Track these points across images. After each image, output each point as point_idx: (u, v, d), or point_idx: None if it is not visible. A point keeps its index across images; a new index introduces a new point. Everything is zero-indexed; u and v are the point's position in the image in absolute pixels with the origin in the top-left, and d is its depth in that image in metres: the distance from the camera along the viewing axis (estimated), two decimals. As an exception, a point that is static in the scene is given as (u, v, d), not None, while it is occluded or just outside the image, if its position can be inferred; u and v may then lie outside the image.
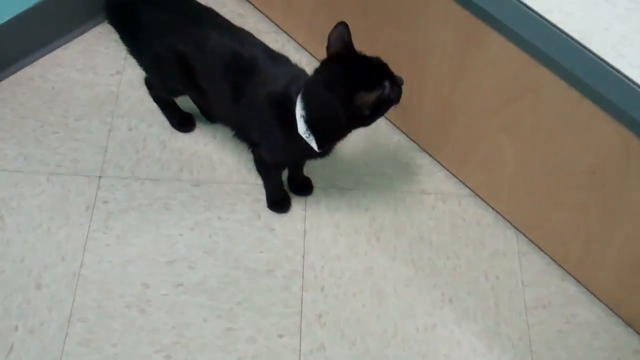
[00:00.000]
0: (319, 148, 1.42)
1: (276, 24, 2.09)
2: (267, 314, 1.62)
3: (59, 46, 2.00)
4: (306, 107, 1.36)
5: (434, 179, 1.83)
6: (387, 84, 1.32)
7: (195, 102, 1.84)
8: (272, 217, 1.75)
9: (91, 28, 2.03)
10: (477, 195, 1.81)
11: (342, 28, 1.33)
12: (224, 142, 1.85)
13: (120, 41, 1.65)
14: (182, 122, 1.85)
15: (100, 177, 1.79)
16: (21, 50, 1.93)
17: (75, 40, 2.01)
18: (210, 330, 1.59)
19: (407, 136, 1.89)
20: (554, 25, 1.30)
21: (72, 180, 1.78)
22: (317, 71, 1.38)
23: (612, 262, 1.57)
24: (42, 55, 1.97)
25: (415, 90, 1.70)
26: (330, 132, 1.41)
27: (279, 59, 1.52)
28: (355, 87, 1.28)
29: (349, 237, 1.74)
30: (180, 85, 1.63)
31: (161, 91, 1.79)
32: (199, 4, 1.57)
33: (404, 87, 1.38)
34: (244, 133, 1.60)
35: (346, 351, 1.59)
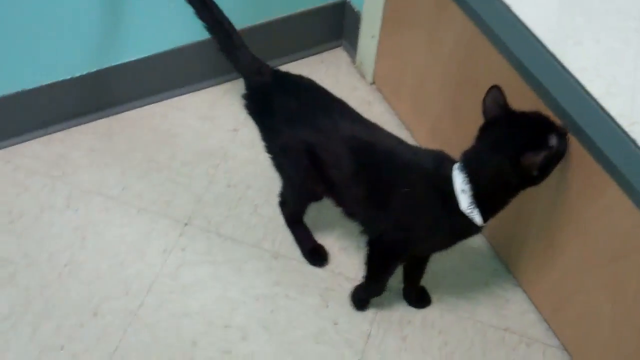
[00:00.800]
0: (484, 221, 1.36)
1: (400, 119, 2.05)
2: (305, 410, 1.52)
3: (188, 92, 2.06)
4: (470, 178, 1.31)
5: (523, 319, 1.68)
6: (553, 139, 1.25)
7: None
8: (340, 309, 1.67)
9: (222, 82, 2.08)
10: (567, 350, 1.63)
11: (496, 92, 1.31)
12: (314, 222, 1.79)
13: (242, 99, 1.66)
14: (314, 253, 1.75)
15: (186, 224, 1.78)
16: (153, 87, 2.01)
17: (204, 90, 2.07)
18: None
19: (506, 266, 1.76)
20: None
21: (159, 220, 1.78)
22: (477, 139, 1.34)
23: None
24: (170, 97, 2.04)
25: (522, 220, 1.59)
26: (499, 200, 1.36)
27: (414, 147, 1.51)
28: (521, 147, 1.24)
29: (414, 355, 1.62)
30: (309, 181, 1.55)
31: (293, 202, 1.71)
32: (330, 94, 1.55)
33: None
34: (376, 227, 1.51)
35: None
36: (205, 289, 1.68)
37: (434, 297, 1.70)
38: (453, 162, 1.38)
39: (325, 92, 1.54)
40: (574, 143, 1.33)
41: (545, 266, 1.60)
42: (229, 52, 1.55)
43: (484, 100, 1.32)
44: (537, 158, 1.24)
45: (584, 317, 1.54)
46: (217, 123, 2.00)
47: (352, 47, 2.19)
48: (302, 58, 2.19)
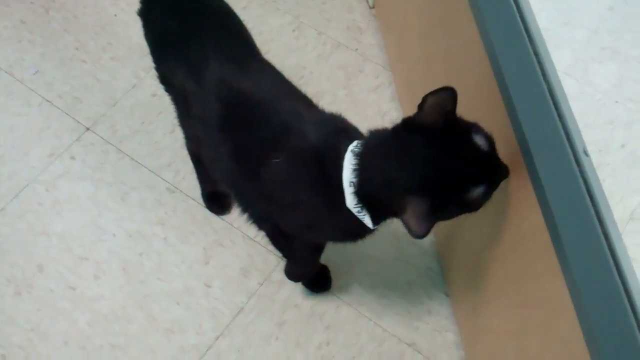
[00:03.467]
0: (376, 224, 0.99)
1: (387, 57, 1.67)
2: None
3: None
4: (364, 174, 0.94)
5: (438, 337, 1.33)
6: (500, 173, 0.92)
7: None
8: (219, 271, 1.38)
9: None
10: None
11: (447, 95, 0.88)
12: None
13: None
14: (214, 198, 1.43)
15: (88, 129, 1.53)
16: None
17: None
18: (66, 357, 1.28)
19: (442, 269, 1.40)
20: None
21: (60, 117, 1.54)
22: (394, 135, 0.95)
23: None
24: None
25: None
26: (393, 213, 0.96)
27: (304, 107, 1.09)
28: (467, 179, 0.89)
29: (284, 347, 1.32)
30: (186, 126, 1.25)
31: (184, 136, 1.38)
32: (223, 14, 1.19)
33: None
34: (246, 202, 1.15)
35: None
36: (77, 210, 1.43)
37: (336, 284, 1.37)
38: (351, 138, 0.99)
39: (218, 9, 1.19)
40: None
41: (471, 286, 1.23)
42: None
43: (427, 97, 0.89)
44: (483, 195, 0.90)
45: (494, 357, 1.17)
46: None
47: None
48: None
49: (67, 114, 1.54)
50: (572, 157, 0.83)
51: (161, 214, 1.43)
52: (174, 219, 1.43)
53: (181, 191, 1.46)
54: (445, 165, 0.88)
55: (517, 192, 0.94)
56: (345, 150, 0.96)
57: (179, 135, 1.49)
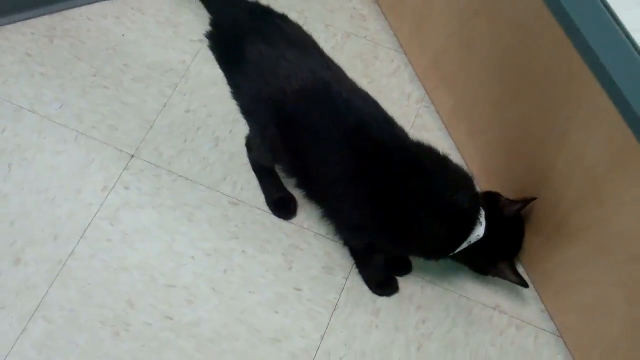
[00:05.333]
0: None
1: (398, 41, 1.73)
2: (253, 393, 1.31)
3: (148, -11, 1.72)
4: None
5: (517, 297, 1.44)
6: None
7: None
8: (305, 272, 1.42)
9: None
10: (562, 337, 1.41)
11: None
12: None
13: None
14: (280, 204, 1.47)
15: (133, 156, 1.51)
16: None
17: (167, -12, 1.73)
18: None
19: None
20: None
21: (101, 149, 1.51)
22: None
23: None
24: (126, -6, 1.70)
25: (538, 185, 1.32)
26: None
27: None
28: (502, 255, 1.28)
29: (385, 333, 1.39)
30: (275, 150, 1.28)
31: (259, 154, 1.43)
32: (318, 49, 1.26)
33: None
34: (356, 231, 1.27)
35: None
36: (149, 239, 1.43)
37: (416, 266, 1.45)
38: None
39: (313, 43, 1.24)
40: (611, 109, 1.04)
41: (552, 246, 1.34)
42: None
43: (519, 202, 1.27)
44: (508, 272, 1.28)
45: (592, 310, 1.29)
46: (180, 31, 1.68)
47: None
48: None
49: (107, 144, 1.51)
50: None
51: (232, 228, 1.45)
52: (246, 230, 1.45)
53: (244, 202, 1.48)
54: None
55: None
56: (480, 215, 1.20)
57: (224, 147, 1.52)
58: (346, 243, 1.37)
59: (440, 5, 1.48)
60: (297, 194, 1.46)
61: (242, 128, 1.53)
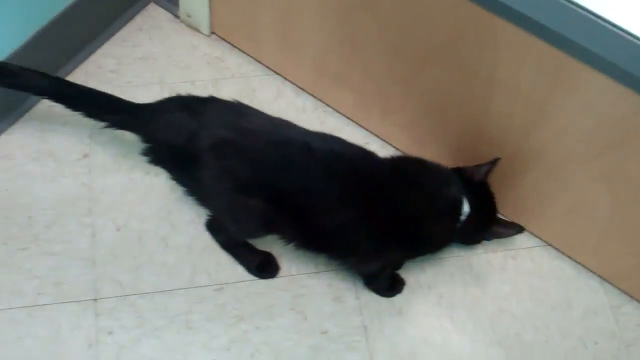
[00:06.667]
0: None
1: (265, 65, 1.73)
2: None
3: (1, 131, 1.57)
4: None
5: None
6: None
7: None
8: (319, 314, 1.43)
9: (36, 103, 1.60)
10: (551, 245, 1.54)
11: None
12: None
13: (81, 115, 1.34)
14: (264, 265, 1.45)
15: (95, 299, 1.40)
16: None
17: (20, 122, 1.59)
18: None
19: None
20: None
21: (60, 310, 1.38)
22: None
23: None
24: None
25: (476, 138, 1.41)
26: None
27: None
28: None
29: (417, 325, 1.44)
30: (265, 229, 1.32)
31: (236, 231, 1.40)
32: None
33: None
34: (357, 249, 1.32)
35: None
36: (166, 366, 1.35)
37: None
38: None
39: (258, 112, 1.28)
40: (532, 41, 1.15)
41: (511, 177, 1.45)
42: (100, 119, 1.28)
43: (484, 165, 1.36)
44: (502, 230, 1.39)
45: (574, 211, 1.43)
46: (59, 156, 1.56)
47: (167, -2, 1.79)
48: (114, 34, 1.75)
49: (62, 303, 1.39)
50: None
51: (231, 312, 1.42)
52: (245, 306, 1.42)
53: (227, 283, 1.45)
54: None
55: None
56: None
57: (175, 243, 1.47)
58: (363, 274, 1.39)
59: (304, 13, 1.50)
60: (277, 248, 1.45)
61: (181, 217, 1.48)
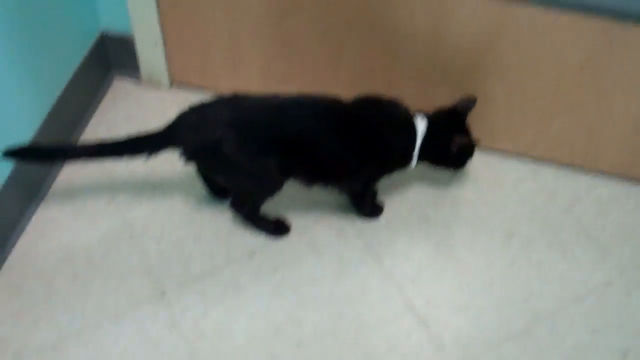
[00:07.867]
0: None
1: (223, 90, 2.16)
2: None
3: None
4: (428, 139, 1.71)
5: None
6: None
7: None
8: (329, 247, 1.86)
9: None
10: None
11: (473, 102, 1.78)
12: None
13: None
14: (279, 226, 1.87)
15: (163, 292, 1.77)
16: None
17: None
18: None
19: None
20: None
21: (140, 317, 1.73)
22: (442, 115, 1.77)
23: None
24: None
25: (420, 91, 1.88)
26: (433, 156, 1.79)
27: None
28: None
29: (408, 236, 1.89)
30: (281, 182, 1.73)
31: (259, 199, 1.80)
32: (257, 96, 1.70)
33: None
34: (355, 182, 1.79)
35: None
36: (232, 330, 1.71)
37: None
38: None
39: (252, 95, 1.69)
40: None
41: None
42: (140, 152, 1.68)
43: (464, 99, 1.76)
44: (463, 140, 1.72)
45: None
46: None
47: (127, 69, 2.21)
48: (97, 108, 2.17)
49: (137, 309, 1.75)
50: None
51: (267, 267, 1.82)
52: (275, 261, 1.83)
53: (255, 249, 1.85)
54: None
55: None
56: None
57: (205, 237, 1.85)
58: (352, 192, 1.84)
59: (245, 35, 1.97)
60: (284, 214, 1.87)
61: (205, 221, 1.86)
